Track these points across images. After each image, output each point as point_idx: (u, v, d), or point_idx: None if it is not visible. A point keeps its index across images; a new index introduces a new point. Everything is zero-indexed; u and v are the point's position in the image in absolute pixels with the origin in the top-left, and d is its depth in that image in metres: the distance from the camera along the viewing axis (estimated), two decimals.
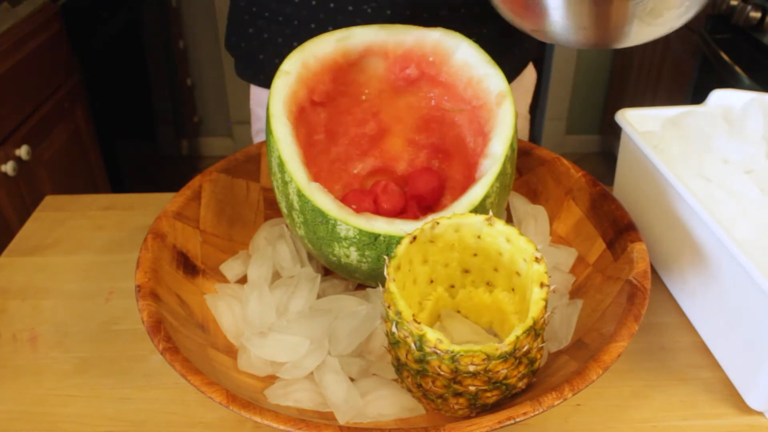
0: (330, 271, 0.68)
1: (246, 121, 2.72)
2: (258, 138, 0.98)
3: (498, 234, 0.55)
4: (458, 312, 0.61)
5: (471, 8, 0.79)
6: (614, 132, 2.58)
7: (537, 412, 0.47)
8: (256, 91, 0.94)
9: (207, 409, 0.58)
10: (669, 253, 0.68)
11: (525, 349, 0.49)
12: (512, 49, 0.89)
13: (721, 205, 0.62)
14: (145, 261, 0.59)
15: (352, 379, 0.56)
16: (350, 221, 0.56)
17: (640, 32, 0.59)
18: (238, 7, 0.85)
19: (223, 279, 0.67)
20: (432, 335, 0.47)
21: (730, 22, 1.67)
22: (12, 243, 0.80)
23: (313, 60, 0.63)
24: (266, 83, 0.88)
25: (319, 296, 0.64)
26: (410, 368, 0.51)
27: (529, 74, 0.97)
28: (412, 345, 0.49)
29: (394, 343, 0.52)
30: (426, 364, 0.49)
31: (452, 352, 0.47)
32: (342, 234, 0.57)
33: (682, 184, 0.61)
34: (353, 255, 0.58)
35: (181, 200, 0.67)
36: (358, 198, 0.65)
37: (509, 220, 0.72)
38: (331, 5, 0.77)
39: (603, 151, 2.79)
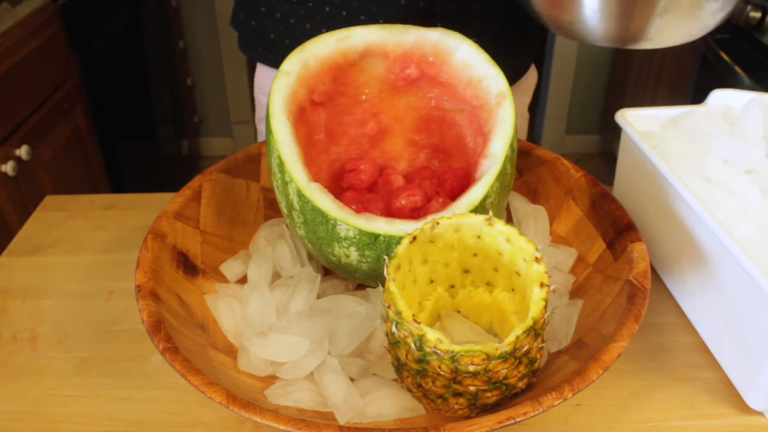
0: (330, 271, 0.68)
1: (246, 121, 2.73)
2: (261, 125, 0.98)
3: (498, 234, 0.55)
4: (458, 312, 0.61)
5: (469, 5, 0.79)
6: (614, 132, 2.58)
7: (537, 412, 0.47)
8: (260, 78, 0.93)
9: (207, 409, 0.58)
10: (669, 253, 0.68)
11: (525, 349, 0.49)
12: (519, 50, 0.89)
13: (721, 205, 0.62)
14: (145, 261, 0.59)
15: (352, 379, 0.56)
16: (350, 221, 0.56)
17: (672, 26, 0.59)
18: None
19: (223, 279, 0.67)
20: (432, 335, 0.47)
21: (730, 22, 1.67)
22: (12, 243, 0.80)
23: (313, 60, 0.63)
24: (275, 63, 0.88)
25: (319, 296, 0.64)
26: (410, 368, 0.51)
27: (531, 74, 0.97)
28: (412, 345, 0.49)
29: (394, 343, 0.52)
30: (426, 364, 0.49)
31: (452, 352, 0.47)
32: (342, 234, 0.57)
33: (682, 184, 0.61)
34: (353, 255, 0.58)
35: (181, 200, 0.67)
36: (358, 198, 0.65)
37: (509, 220, 0.72)
38: None
39: (603, 151, 2.79)
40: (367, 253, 0.57)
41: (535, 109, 2.84)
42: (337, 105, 0.67)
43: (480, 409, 0.52)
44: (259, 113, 0.97)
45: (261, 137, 0.99)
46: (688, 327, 0.66)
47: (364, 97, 0.68)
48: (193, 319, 0.60)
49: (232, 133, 2.74)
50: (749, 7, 1.58)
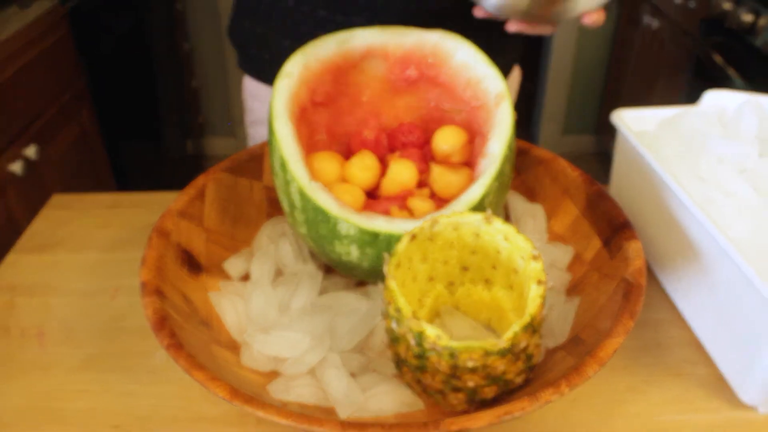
0: (331, 268, 0.68)
1: None
2: (253, 129, 0.99)
3: (496, 232, 0.55)
4: (457, 309, 0.61)
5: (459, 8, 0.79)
6: (610, 132, 2.56)
7: (534, 408, 0.47)
8: (247, 83, 0.95)
9: (211, 404, 0.59)
10: (664, 250, 0.69)
11: (523, 345, 0.50)
12: (502, 50, 0.89)
13: (716, 204, 0.63)
14: (149, 259, 0.60)
15: (352, 375, 0.57)
16: (351, 220, 0.57)
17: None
18: (239, 1, 0.87)
19: (227, 276, 0.67)
20: (431, 332, 0.48)
21: (723, 25, 1.67)
22: (20, 241, 0.80)
23: (314, 61, 0.64)
24: (265, 78, 0.90)
25: (320, 293, 0.64)
26: (410, 364, 0.52)
27: (515, 74, 0.97)
28: (412, 341, 0.50)
29: (394, 340, 0.52)
30: (425, 360, 0.50)
31: (451, 348, 0.48)
32: (343, 232, 0.57)
33: (677, 184, 0.62)
34: (354, 253, 0.58)
35: (186, 199, 0.68)
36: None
37: (507, 218, 0.73)
38: (322, 12, 0.78)
39: (599, 151, 2.79)
40: (367, 250, 0.58)
41: (532, 109, 2.84)
42: (338, 106, 0.68)
43: (478, 404, 0.52)
44: (249, 117, 0.98)
45: (252, 141, 1.00)
46: (683, 323, 0.67)
47: (364, 98, 0.69)
48: (197, 316, 0.61)
49: (235, 132, 2.75)
50: (742, 10, 1.59)
